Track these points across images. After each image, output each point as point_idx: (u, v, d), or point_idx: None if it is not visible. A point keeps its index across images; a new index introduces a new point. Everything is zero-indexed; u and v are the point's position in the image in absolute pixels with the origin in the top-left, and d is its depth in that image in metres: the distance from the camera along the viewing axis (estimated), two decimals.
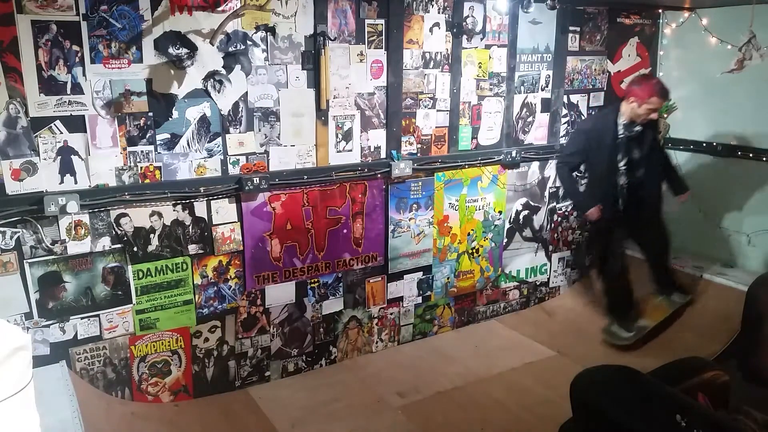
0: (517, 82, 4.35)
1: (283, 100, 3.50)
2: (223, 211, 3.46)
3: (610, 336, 4.33)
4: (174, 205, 3.33)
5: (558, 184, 4.75)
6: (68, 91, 2.95)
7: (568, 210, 4.85)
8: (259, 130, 3.48)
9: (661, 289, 4.44)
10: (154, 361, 3.44)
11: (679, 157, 4.92)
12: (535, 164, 4.62)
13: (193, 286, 3.47)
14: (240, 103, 3.39)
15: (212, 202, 3.41)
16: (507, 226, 4.62)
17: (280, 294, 3.75)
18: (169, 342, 3.46)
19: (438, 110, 4.06)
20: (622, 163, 4.10)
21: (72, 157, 3.03)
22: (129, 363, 3.36)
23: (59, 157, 3.00)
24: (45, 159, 2.97)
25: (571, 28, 4.50)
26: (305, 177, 3.64)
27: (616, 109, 4.11)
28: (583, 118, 4.73)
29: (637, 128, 4.03)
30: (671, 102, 4.94)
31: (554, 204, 4.80)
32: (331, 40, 3.54)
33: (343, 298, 3.99)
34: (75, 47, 2.92)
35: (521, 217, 4.68)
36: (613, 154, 4.10)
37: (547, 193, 4.74)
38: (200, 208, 3.39)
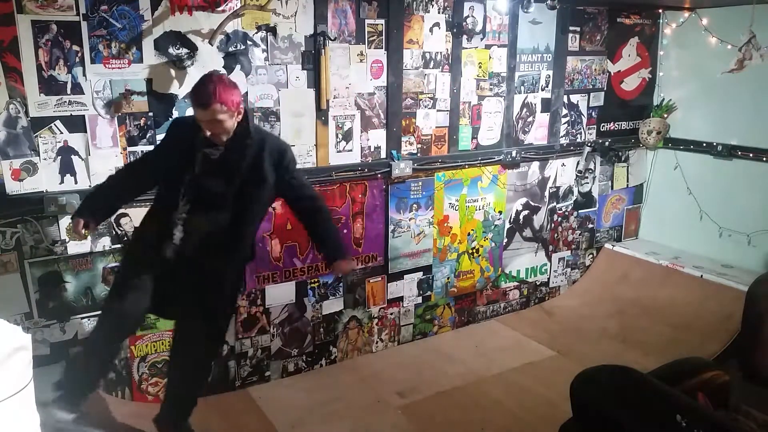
0: (517, 82, 4.35)
1: (283, 100, 3.50)
2: None
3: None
4: None
5: (557, 183, 4.76)
6: (68, 91, 2.95)
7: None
8: None
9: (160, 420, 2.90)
10: (154, 361, 3.44)
11: (679, 157, 4.93)
12: (535, 164, 4.62)
13: None
14: None
15: None
16: (507, 226, 4.62)
17: (280, 294, 3.74)
18: (169, 342, 3.45)
19: (438, 110, 4.06)
20: (183, 194, 2.61)
21: (72, 157, 3.03)
22: (129, 363, 3.36)
23: (59, 157, 3.00)
24: (45, 159, 2.97)
25: (571, 28, 4.50)
26: (305, 177, 3.63)
27: None
28: None
29: (218, 148, 2.61)
30: (671, 102, 4.95)
31: (554, 204, 4.80)
32: (331, 40, 3.54)
33: (343, 298, 3.98)
34: (75, 47, 2.92)
35: (521, 217, 4.68)
36: (180, 173, 2.61)
37: (547, 193, 4.74)
38: None
